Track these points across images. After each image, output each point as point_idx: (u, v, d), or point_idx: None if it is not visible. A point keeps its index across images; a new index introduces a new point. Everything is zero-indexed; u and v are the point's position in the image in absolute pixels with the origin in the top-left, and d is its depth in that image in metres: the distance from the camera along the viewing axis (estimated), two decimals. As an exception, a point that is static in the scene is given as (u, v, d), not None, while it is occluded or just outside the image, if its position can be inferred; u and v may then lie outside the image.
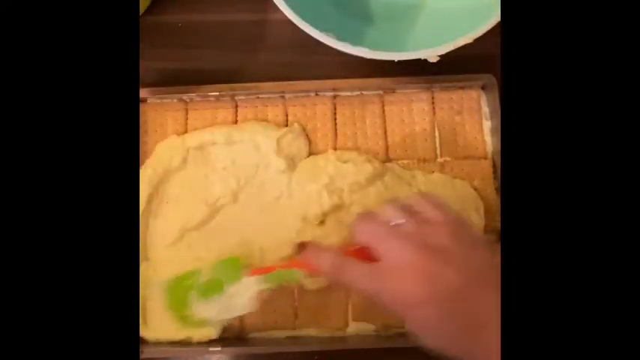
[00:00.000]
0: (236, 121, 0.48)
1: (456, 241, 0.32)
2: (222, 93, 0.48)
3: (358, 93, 0.48)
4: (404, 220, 0.33)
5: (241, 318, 0.43)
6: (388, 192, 0.44)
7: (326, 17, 0.47)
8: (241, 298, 0.38)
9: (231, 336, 0.44)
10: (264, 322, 0.44)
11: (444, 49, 0.40)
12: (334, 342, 0.43)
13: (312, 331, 0.44)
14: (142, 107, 0.48)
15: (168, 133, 0.47)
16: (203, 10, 0.52)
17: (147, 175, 0.45)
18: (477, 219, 0.44)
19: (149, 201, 0.45)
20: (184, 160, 0.46)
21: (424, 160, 0.47)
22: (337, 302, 0.44)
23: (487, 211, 0.45)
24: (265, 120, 0.48)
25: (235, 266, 0.39)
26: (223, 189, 0.45)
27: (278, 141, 0.45)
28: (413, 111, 0.48)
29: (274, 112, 0.48)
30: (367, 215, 0.35)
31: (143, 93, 0.48)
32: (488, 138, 0.47)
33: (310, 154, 0.47)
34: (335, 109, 0.48)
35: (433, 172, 0.46)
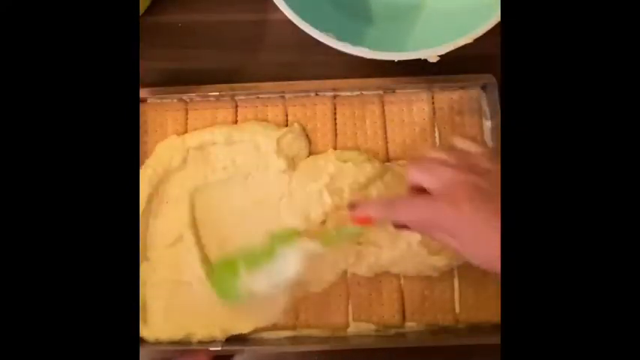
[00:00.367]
0: (236, 121, 0.48)
1: (496, 165, 0.35)
2: (222, 93, 0.48)
3: (358, 93, 0.48)
4: (447, 155, 0.36)
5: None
6: (389, 192, 0.44)
7: (326, 17, 0.47)
8: (290, 261, 0.37)
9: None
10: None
11: (444, 49, 0.40)
12: (334, 342, 0.43)
13: (312, 332, 0.44)
14: (142, 107, 0.48)
15: (168, 133, 0.47)
16: (203, 10, 0.52)
17: (147, 175, 0.45)
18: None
19: (149, 201, 0.45)
20: (184, 160, 0.46)
21: (424, 160, 0.47)
22: (338, 302, 0.44)
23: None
24: (265, 120, 0.48)
25: (287, 235, 0.39)
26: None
27: (278, 141, 0.45)
28: (413, 111, 0.48)
29: (274, 112, 0.48)
30: (416, 158, 0.38)
31: (143, 93, 0.48)
32: (488, 138, 0.47)
33: (310, 154, 0.47)
34: (335, 109, 0.48)
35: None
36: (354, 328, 0.44)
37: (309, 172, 0.45)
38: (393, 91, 0.48)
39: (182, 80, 0.49)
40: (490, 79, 0.46)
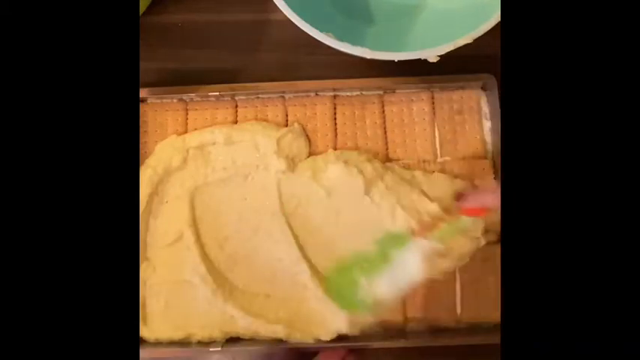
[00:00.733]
0: (236, 121, 0.48)
1: None
2: (222, 93, 0.48)
3: (358, 93, 0.48)
4: None
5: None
6: (390, 192, 0.44)
7: (326, 17, 0.47)
8: (411, 263, 0.36)
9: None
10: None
11: (444, 49, 0.40)
12: (334, 342, 0.43)
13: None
14: (142, 107, 0.48)
15: (168, 133, 0.47)
16: (203, 10, 0.52)
17: (147, 174, 0.45)
18: (477, 219, 0.44)
19: (149, 201, 0.45)
20: (184, 160, 0.46)
21: (424, 160, 0.47)
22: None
23: (487, 211, 0.45)
24: (265, 120, 0.48)
25: (399, 237, 0.38)
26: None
27: (278, 141, 0.45)
28: (413, 111, 0.48)
29: (274, 112, 0.48)
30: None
31: (143, 93, 0.48)
32: (488, 138, 0.47)
33: (310, 154, 0.47)
34: (335, 109, 0.48)
35: (433, 171, 0.46)
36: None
37: (309, 172, 0.45)
38: (393, 91, 0.48)
39: (182, 80, 0.49)
40: (490, 79, 0.46)
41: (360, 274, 0.38)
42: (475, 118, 0.47)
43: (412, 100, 0.48)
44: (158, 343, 0.43)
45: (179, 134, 0.47)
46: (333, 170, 0.45)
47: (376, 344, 0.43)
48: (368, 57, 0.40)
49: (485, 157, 0.47)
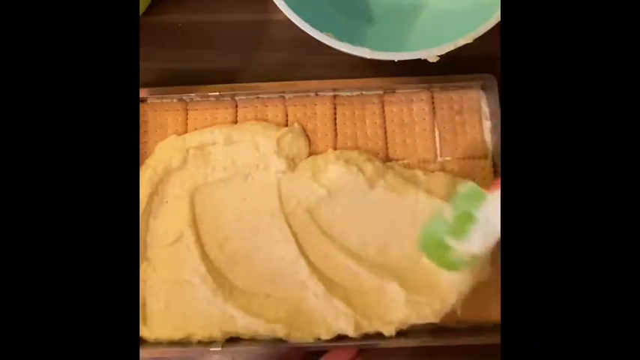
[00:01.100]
0: (236, 121, 0.48)
1: None
2: (222, 93, 0.48)
3: (358, 93, 0.48)
4: None
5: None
6: (392, 191, 0.44)
7: (326, 17, 0.47)
8: (494, 214, 0.35)
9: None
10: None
11: (444, 49, 0.40)
12: (334, 342, 0.43)
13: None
14: (142, 107, 0.48)
15: (168, 133, 0.47)
16: (203, 10, 0.52)
17: (147, 174, 0.45)
18: None
19: (149, 201, 0.45)
20: (184, 160, 0.46)
21: (424, 160, 0.47)
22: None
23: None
24: (265, 120, 0.48)
25: (475, 191, 0.37)
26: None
27: (278, 141, 0.45)
28: (413, 111, 0.48)
29: (274, 112, 0.48)
30: None
31: (143, 93, 0.48)
32: (488, 138, 0.47)
33: (310, 154, 0.47)
34: (335, 109, 0.48)
35: (433, 171, 0.46)
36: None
37: (309, 172, 0.45)
38: (393, 91, 0.48)
39: (182, 80, 0.49)
40: (490, 79, 0.46)
41: (446, 238, 0.38)
42: (475, 118, 0.47)
43: (412, 100, 0.48)
44: (158, 343, 0.43)
45: (179, 134, 0.47)
46: (334, 170, 0.45)
47: (376, 344, 0.43)
48: (368, 57, 0.40)
49: (485, 157, 0.47)
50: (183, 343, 0.44)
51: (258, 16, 0.51)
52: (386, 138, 0.47)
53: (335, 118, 0.48)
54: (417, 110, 0.48)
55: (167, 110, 0.48)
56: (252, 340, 0.44)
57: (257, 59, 0.51)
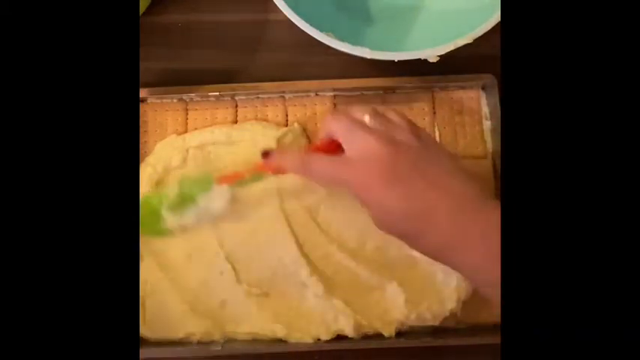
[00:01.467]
0: (236, 121, 0.48)
1: (420, 142, 0.35)
2: (222, 93, 0.48)
3: (358, 93, 0.48)
4: (370, 118, 0.36)
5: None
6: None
7: (326, 17, 0.47)
8: (216, 204, 0.40)
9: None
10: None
11: (444, 49, 0.40)
12: (334, 342, 0.43)
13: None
14: (142, 107, 0.48)
15: (168, 133, 0.47)
16: (203, 10, 0.52)
17: (147, 173, 0.45)
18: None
19: (149, 201, 0.45)
20: (184, 160, 0.46)
21: (424, 160, 0.47)
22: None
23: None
24: (265, 120, 0.48)
25: (204, 179, 0.41)
26: None
27: (278, 141, 0.45)
28: (413, 111, 0.48)
29: (274, 112, 0.48)
30: (336, 111, 0.38)
31: (143, 93, 0.48)
32: (488, 138, 0.47)
33: (310, 153, 0.47)
34: (335, 109, 0.48)
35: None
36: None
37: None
38: (393, 91, 0.48)
39: (182, 80, 0.49)
40: (490, 79, 0.46)
41: (162, 208, 0.41)
42: (475, 118, 0.47)
43: (412, 100, 0.48)
44: (158, 343, 0.43)
45: (179, 134, 0.47)
46: None
47: (376, 344, 0.43)
48: (368, 57, 0.40)
49: (485, 157, 0.47)
50: (183, 343, 0.43)
51: (258, 16, 0.51)
52: (386, 138, 0.47)
53: (335, 118, 0.48)
54: (417, 110, 0.48)
55: (167, 110, 0.48)
56: (253, 340, 0.44)
57: (257, 59, 0.51)
